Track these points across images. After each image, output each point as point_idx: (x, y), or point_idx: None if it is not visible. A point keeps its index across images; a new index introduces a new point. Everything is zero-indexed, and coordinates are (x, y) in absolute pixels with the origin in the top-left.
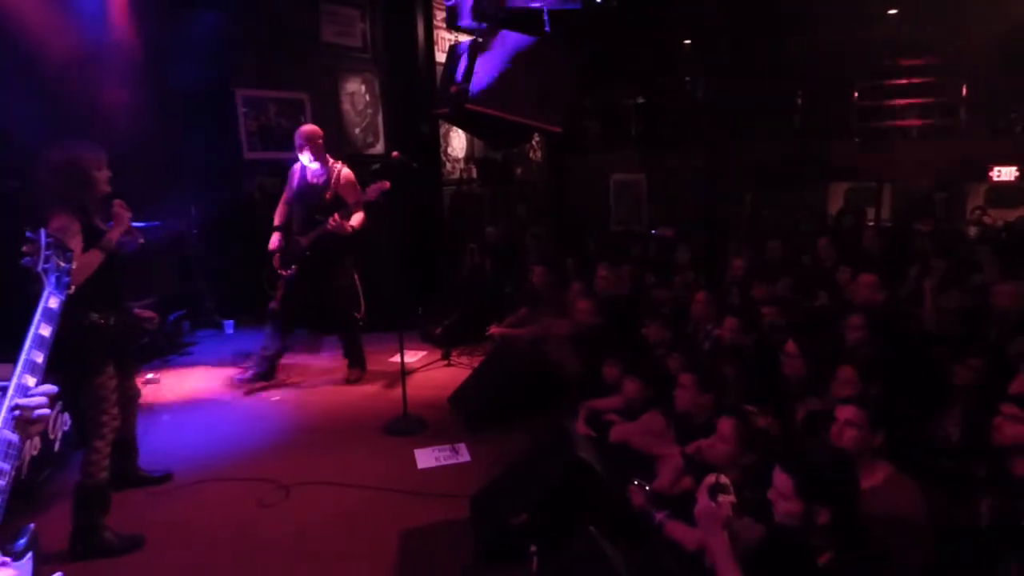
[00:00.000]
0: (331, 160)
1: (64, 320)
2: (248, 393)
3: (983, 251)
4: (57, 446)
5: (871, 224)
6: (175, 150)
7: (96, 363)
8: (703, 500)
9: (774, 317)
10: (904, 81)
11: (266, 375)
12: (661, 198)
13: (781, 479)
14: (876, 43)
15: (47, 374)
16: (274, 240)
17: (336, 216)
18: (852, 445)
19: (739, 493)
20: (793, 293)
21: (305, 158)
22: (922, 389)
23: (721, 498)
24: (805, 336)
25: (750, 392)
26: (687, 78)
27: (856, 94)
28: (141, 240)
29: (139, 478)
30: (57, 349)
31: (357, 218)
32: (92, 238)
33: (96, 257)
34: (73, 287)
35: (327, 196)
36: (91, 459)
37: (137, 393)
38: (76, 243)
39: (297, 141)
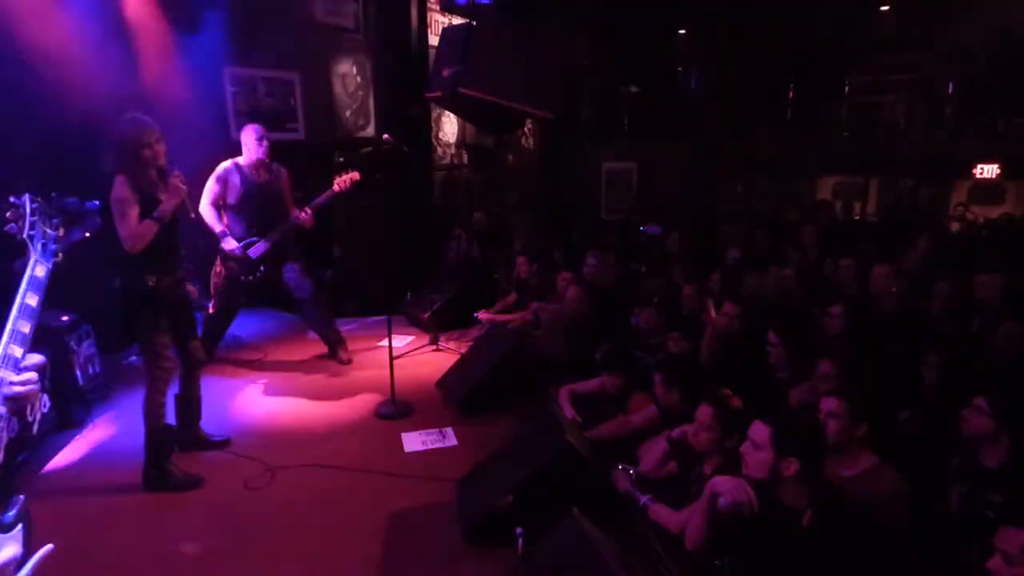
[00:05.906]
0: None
1: (123, 281)
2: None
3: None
4: (35, 429)
5: (857, 217)
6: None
7: (152, 322)
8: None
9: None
10: (894, 77)
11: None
12: (652, 187)
13: (759, 429)
14: (868, 38)
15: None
16: (235, 246)
17: (307, 209)
18: (835, 435)
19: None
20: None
21: (252, 158)
22: (897, 378)
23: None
24: (787, 325)
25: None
26: (680, 68)
27: (847, 88)
28: (193, 214)
29: (200, 440)
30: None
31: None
32: (150, 208)
33: (151, 227)
34: (133, 250)
35: (284, 195)
36: (149, 408)
37: (202, 357)
38: (133, 213)
39: (255, 138)
